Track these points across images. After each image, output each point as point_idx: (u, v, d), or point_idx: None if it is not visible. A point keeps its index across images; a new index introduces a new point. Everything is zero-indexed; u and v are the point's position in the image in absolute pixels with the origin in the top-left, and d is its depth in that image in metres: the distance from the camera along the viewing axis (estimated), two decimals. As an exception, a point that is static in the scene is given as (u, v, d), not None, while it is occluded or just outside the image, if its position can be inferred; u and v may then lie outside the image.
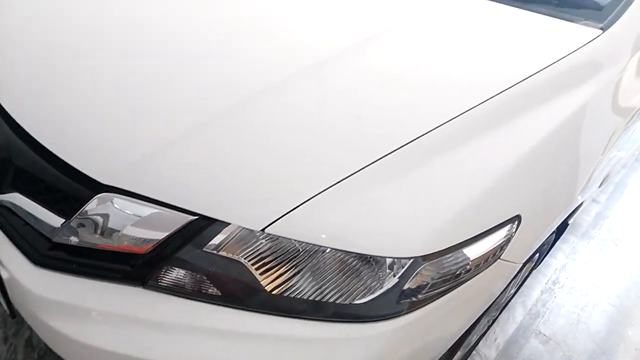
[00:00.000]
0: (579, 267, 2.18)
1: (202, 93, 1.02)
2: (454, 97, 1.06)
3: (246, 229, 0.88)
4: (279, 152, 0.94)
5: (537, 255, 1.38)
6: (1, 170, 1.02)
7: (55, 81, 1.08)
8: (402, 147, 0.96)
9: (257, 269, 0.90)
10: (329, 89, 1.05)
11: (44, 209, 0.98)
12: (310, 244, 0.88)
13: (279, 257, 0.89)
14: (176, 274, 0.92)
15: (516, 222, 1.02)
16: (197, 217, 0.90)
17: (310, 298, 0.90)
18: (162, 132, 0.96)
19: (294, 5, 1.25)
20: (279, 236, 0.88)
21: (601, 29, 1.24)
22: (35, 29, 1.21)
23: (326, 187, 0.90)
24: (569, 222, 1.64)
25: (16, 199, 1.02)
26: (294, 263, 0.89)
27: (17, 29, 1.22)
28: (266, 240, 0.89)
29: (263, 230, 0.87)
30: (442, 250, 0.91)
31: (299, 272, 0.90)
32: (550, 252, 2.18)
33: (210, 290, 0.91)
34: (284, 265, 0.89)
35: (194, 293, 0.92)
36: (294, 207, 0.88)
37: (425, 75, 1.10)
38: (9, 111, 1.05)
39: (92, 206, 0.93)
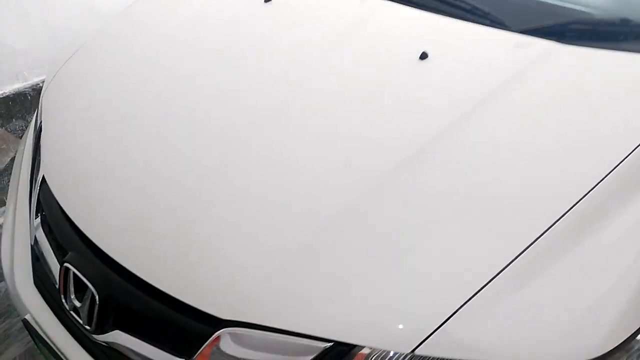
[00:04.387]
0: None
1: (307, 202, 0.93)
2: (589, 165, 0.93)
3: (390, 352, 0.79)
4: (416, 259, 0.85)
5: None
6: (102, 309, 0.94)
7: (152, 213, 0.97)
8: (548, 230, 0.84)
9: None
10: (448, 175, 0.94)
11: (156, 349, 0.91)
12: None
13: None
14: None
15: None
16: (332, 344, 0.81)
17: None
18: (275, 253, 0.87)
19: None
20: (429, 356, 0.78)
21: None
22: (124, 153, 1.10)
23: (474, 293, 0.80)
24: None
25: (122, 338, 0.94)
26: None
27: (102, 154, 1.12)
28: None
29: (413, 351, 0.78)
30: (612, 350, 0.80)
31: None
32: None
33: None
34: None
35: None
36: (443, 321, 0.79)
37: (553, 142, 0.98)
38: (105, 250, 0.96)
39: (216, 343, 0.85)
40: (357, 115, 1.06)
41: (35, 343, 1.14)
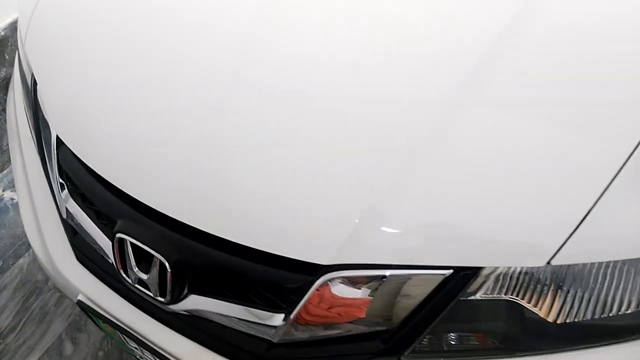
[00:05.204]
0: None
1: (400, 108, 0.79)
2: None
3: (524, 267, 0.71)
4: (530, 168, 0.74)
5: None
6: (176, 277, 0.82)
7: (206, 157, 0.82)
8: None
9: (530, 302, 0.73)
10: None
11: (247, 309, 0.81)
12: (600, 262, 0.72)
13: (560, 285, 0.73)
14: (438, 337, 0.77)
15: None
16: (452, 271, 0.72)
17: (605, 315, 0.74)
18: (372, 182, 0.75)
19: None
20: (566, 264, 0.71)
21: None
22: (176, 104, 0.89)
23: (601, 192, 0.71)
24: None
25: (203, 304, 0.84)
26: (576, 287, 0.73)
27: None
28: (548, 273, 0.72)
29: (548, 262, 0.70)
30: None
31: (582, 293, 0.73)
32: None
33: (488, 340, 0.76)
34: (563, 291, 0.73)
35: (464, 350, 0.77)
36: (575, 227, 0.70)
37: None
38: (164, 211, 0.81)
39: (319, 290, 0.75)
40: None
41: (95, 322, 1.04)
